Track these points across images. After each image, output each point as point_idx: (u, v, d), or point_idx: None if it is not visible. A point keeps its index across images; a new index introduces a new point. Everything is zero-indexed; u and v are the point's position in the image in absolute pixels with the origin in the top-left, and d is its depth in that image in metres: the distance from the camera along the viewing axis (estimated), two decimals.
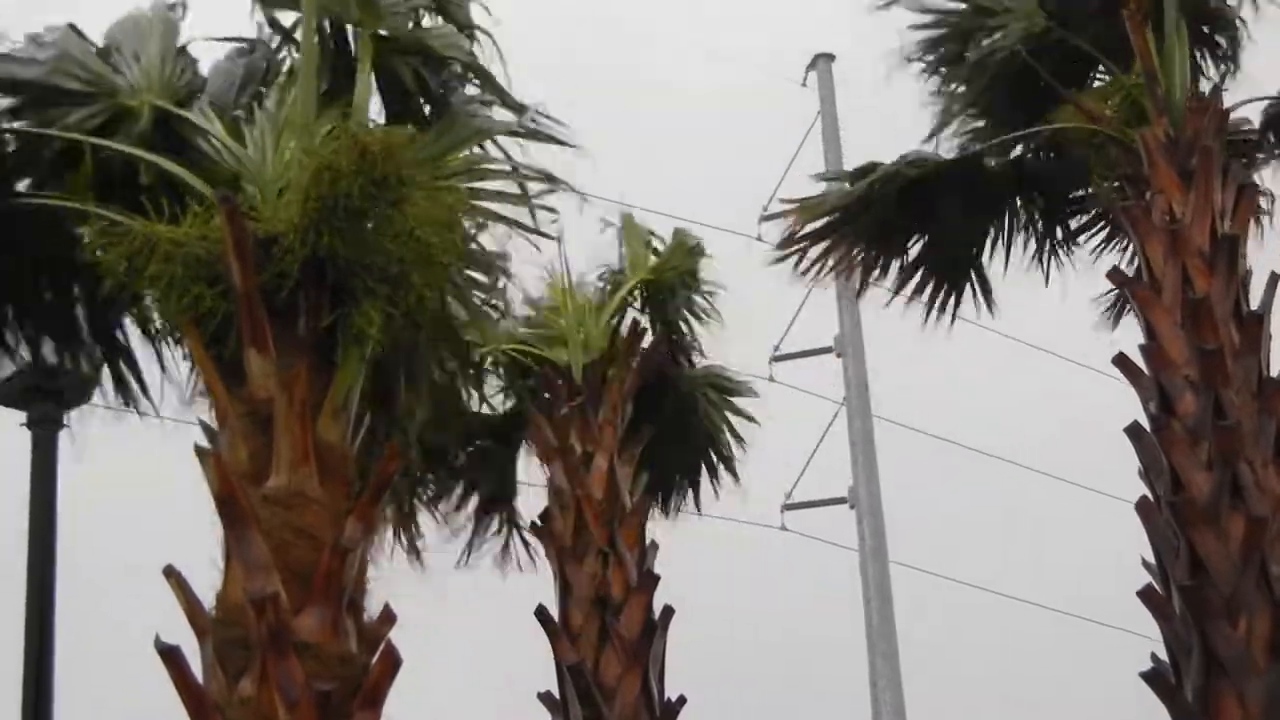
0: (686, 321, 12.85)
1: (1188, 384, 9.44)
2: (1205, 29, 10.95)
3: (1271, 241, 10.97)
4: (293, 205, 7.12)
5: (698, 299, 12.86)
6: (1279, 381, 9.49)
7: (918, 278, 11.79)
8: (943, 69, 11.51)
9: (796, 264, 11.67)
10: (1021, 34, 10.99)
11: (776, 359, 20.83)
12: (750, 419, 13.26)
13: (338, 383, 7.18)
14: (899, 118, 11.98)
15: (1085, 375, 19.87)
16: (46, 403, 8.83)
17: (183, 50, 8.23)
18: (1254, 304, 9.75)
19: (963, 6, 11.41)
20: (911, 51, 11.50)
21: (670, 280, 12.69)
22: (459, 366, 8.45)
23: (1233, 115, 10.44)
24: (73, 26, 8.05)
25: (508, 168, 8.18)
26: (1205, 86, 10.71)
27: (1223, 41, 11.09)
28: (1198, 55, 10.86)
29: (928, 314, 11.87)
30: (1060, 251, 11.69)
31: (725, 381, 13.21)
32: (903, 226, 11.59)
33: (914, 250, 11.74)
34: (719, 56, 29.13)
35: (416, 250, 7.11)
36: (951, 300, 11.84)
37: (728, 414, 13.15)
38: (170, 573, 6.95)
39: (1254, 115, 10.78)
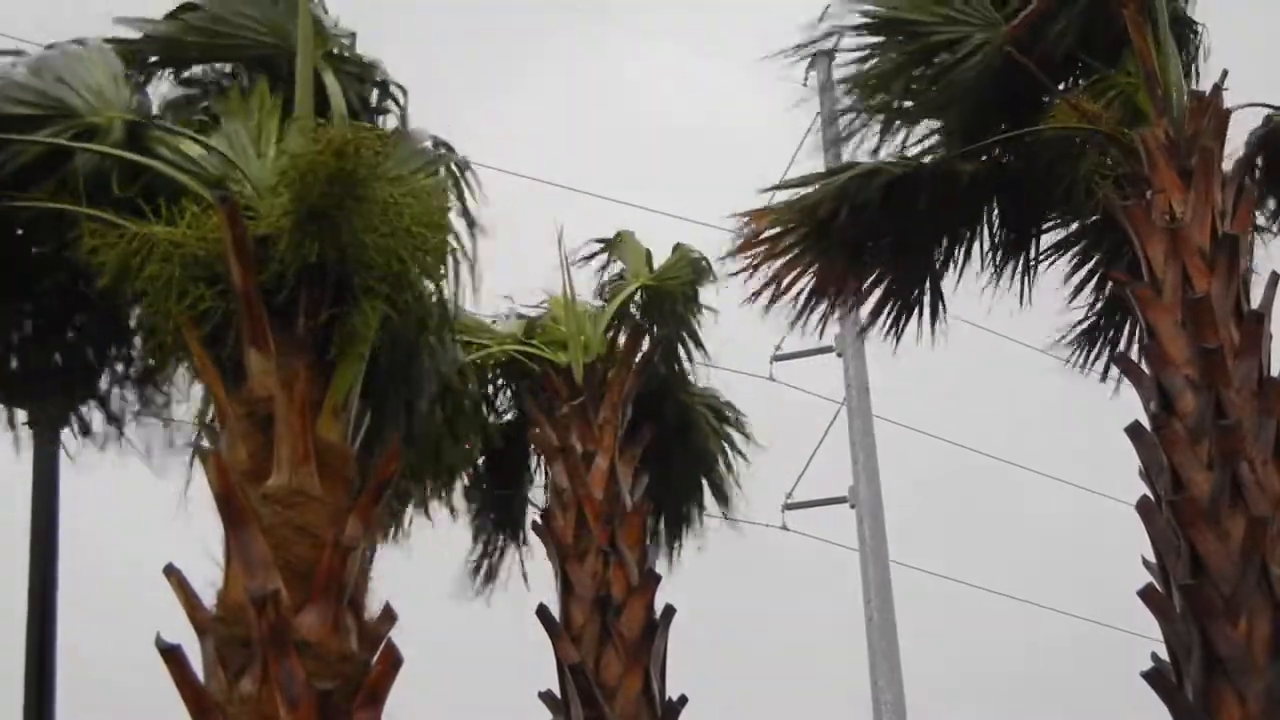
0: (684, 336, 12.79)
1: (1188, 383, 9.44)
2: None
3: (1272, 241, 10.98)
4: (284, 205, 7.13)
5: (695, 318, 12.75)
6: (1279, 381, 9.50)
7: (880, 291, 11.38)
8: (903, 88, 11.09)
9: (750, 278, 11.15)
10: (986, 43, 10.76)
11: (776, 359, 20.84)
12: (749, 437, 13.23)
13: (337, 381, 7.18)
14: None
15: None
16: (47, 402, 8.82)
17: (128, 78, 8.20)
18: (1254, 303, 9.76)
19: (907, 40, 10.97)
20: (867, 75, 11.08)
21: (672, 289, 12.61)
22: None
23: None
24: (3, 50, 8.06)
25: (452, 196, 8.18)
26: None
27: (1189, 47, 11.01)
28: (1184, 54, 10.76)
29: (890, 329, 11.49)
30: (1035, 262, 11.44)
31: (724, 408, 13.21)
32: (885, 230, 11.17)
33: (881, 265, 11.33)
34: (717, 54, 29.16)
35: (411, 246, 7.12)
36: (908, 315, 11.47)
37: (724, 442, 13.15)
38: (170, 571, 6.96)
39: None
